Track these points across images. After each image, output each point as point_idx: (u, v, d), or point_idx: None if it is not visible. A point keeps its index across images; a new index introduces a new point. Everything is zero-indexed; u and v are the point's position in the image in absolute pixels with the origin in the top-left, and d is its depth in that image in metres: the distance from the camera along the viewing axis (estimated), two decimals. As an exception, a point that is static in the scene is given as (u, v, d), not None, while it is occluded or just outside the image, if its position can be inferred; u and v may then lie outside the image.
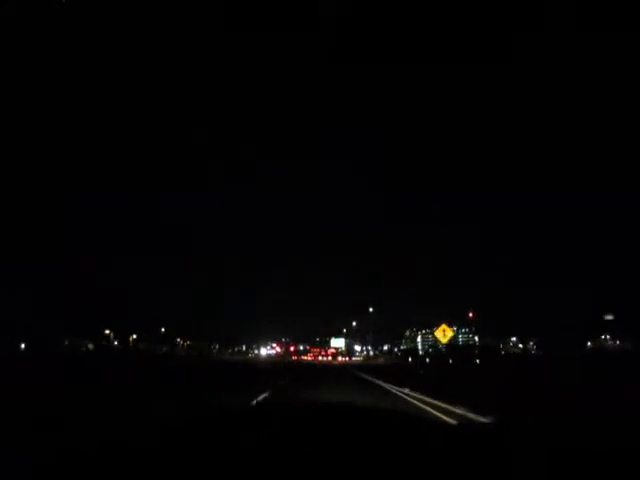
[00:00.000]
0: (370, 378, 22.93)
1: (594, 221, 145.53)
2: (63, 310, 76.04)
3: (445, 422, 6.57)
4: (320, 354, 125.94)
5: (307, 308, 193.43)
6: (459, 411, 8.28)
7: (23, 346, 57.87)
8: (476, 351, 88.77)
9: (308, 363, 71.96)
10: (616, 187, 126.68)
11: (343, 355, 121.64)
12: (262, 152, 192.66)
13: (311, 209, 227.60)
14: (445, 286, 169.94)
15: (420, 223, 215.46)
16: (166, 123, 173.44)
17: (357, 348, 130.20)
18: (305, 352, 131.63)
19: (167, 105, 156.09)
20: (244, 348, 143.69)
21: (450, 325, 26.61)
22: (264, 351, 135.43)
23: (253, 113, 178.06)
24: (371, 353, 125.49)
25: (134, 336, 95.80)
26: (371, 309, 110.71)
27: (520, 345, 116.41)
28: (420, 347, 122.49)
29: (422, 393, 12.19)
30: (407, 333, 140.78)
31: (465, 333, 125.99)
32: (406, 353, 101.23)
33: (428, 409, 9.30)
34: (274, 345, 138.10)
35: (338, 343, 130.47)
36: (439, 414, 8.34)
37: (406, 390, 13.53)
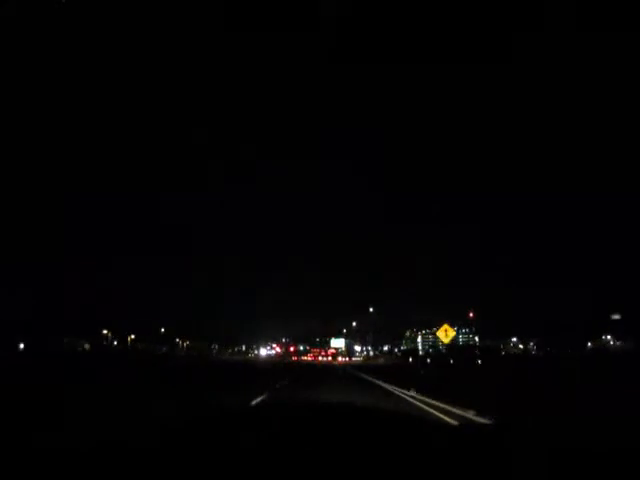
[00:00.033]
0: (370, 378, 22.91)
1: (594, 221, 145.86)
2: (63, 310, 76.16)
3: (446, 423, 6.56)
4: (320, 354, 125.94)
5: (307, 308, 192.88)
6: (468, 415, 8.08)
7: (22, 346, 57.76)
8: (477, 351, 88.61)
9: (308, 363, 71.98)
10: (616, 187, 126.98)
11: (343, 355, 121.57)
12: (262, 152, 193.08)
13: (311, 209, 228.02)
14: (445, 286, 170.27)
15: (420, 223, 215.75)
16: (166, 123, 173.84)
17: (357, 348, 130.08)
18: (305, 352, 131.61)
19: (167, 105, 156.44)
20: (244, 348, 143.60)
21: (451, 325, 26.55)
22: (264, 351, 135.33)
23: (253, 113, 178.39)
24: (371, 353, 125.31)
25: (132, 336, 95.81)
26: (371, 309, 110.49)
27: (520, 346, 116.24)
28: (420, 347, 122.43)
29: (423, 394, 12.07)
30: (407, 333, 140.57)
31: (465, 333, 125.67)
32: (406, 353, 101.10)
33: (432, 411, 9.20)
34: (274, 345, 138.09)
35: (338, 343, 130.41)
36: (442, 415, 8.26)
37: (411, 392, 13.10)
